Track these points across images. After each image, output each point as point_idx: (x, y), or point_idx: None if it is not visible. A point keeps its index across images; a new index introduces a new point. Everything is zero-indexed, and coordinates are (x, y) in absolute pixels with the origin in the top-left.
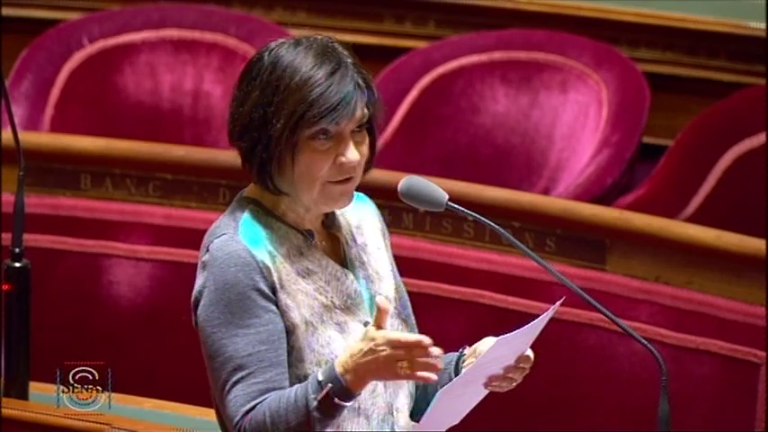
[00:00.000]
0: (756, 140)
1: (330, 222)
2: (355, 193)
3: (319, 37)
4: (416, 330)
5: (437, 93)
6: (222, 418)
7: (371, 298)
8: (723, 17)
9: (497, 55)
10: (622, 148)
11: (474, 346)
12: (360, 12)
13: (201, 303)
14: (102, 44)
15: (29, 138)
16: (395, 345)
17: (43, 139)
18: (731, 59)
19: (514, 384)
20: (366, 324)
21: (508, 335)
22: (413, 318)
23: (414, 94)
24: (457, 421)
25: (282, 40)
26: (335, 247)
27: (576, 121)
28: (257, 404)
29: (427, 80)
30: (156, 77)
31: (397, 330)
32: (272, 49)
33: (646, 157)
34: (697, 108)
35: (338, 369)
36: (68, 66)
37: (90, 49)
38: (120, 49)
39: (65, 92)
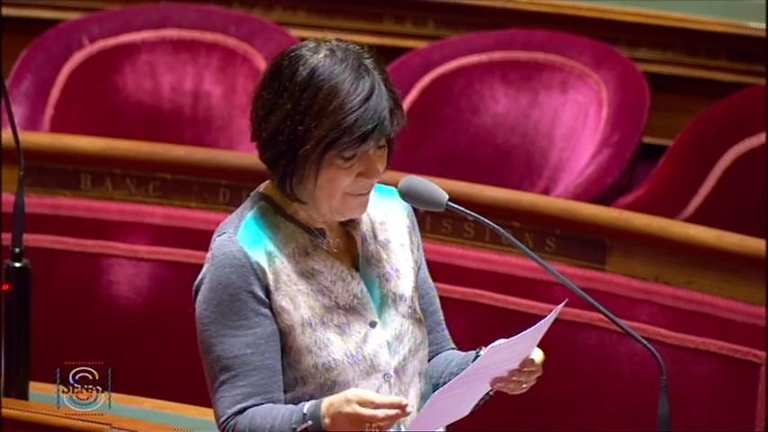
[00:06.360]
0: (756, 140)
1: (347, 220)
2: (384, 187)
3: (351, 47)
4: (440, 330)
5: (437, 93)
6: None
7: (382, 297)
8: (723, 17)
9: (497, 55)
10: (622, 148)
11: (489, 347)
12: (360, 12)
13: (198, 298)
14: (102, 44)
15: (29, 138)
16: (362, 403)
17: (43, 139)
18: (731, 59)
19: (525, 387)
20: (373, 325)
21: (500, 343)
22: (436, 316)
23: (414, 94)
24: (459, 417)
25: (313, 46)
26: (350, 245)
27: (576, 121)
28: (243, 408)
29: (427, 80)
30: (156, 77)
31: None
32: (307, 60)
33: (646, 157)
34: (697, 108)
35: (323, 409)
36: (68, 66)
37: (90, 49)
38: (120, 49)
39: (65, 92)
